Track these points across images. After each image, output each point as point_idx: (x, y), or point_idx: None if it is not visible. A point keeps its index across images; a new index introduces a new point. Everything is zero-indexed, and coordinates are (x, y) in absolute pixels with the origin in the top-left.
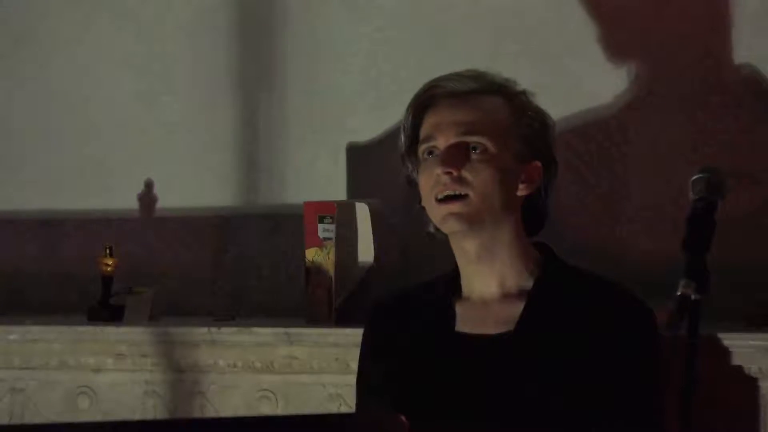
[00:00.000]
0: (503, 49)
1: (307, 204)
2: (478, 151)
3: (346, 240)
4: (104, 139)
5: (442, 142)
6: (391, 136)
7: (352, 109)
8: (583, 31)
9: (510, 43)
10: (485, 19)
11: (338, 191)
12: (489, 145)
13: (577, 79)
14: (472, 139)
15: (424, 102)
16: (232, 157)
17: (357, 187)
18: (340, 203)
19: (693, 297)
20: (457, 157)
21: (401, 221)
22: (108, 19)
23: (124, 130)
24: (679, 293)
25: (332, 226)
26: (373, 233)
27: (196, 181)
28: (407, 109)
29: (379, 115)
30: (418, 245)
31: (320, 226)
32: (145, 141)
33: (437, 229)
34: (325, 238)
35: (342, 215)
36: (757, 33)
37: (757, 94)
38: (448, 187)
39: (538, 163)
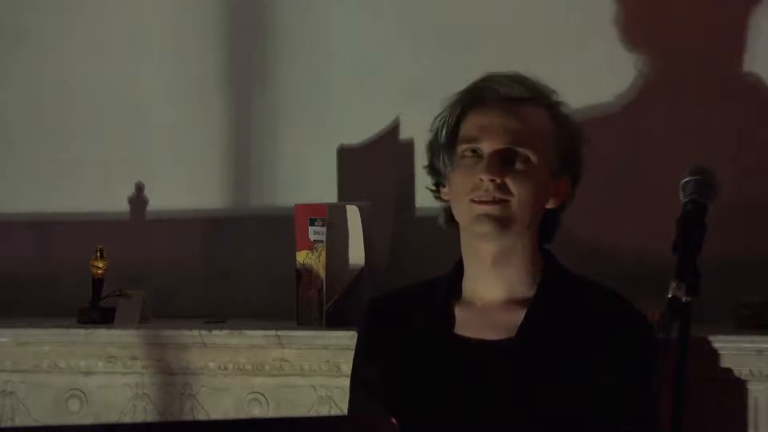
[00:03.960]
0: (503, 47)
1: (298, 206)
2: (522, 162)
3: (337, 242)
4: (95, 141)
5: (487, 146)
6: (382, 138)
7: (343, 110)
8: (587, 30)
9: (510, 42)
10: (483, 17)
11: (329, 193)
12: (533, 157)
13: (579, 78)
14: (520, 149)
15: (473, 100)
16: (222, 158)
17: (348, 190)
18: (330, 206)
19: (683, 299)
20: (502, 165)
21: (392, 223)
22: (99, 19)
23: (115, 132)
24: (669, 295)
25: (323, 229)
26: (364, 235)
27: (187, 183)
28: (454, 103)
29: (371, 117)
30: (409, 248)
31: (311, 229)
32: (135, 143)
33: (449, 223)
34: (315, 241)
35: (333, 218)
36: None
37: (760, 100)
38: (490, 194)
39: (567, 179)
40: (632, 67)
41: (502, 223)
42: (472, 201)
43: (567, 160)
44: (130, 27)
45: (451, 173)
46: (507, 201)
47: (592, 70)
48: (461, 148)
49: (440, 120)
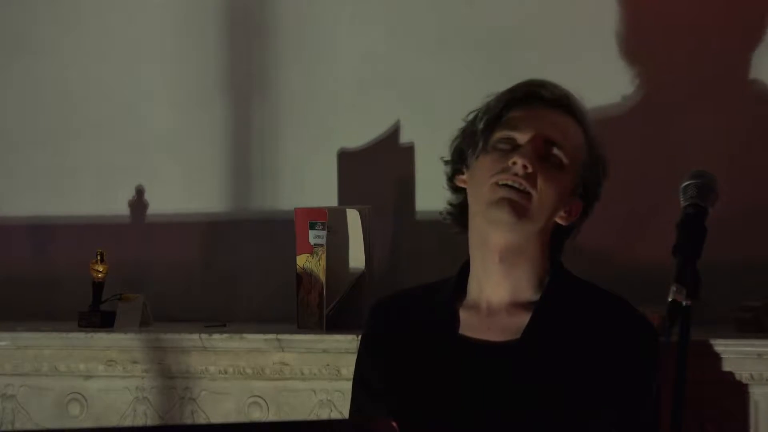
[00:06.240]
0: (504, 52)
1: (298, 210)
2: (554, 163)
3: (337, 246)
4: (95, 144)
5: (526, 136)
6: (382, 142)
7: (344, 114)
8: (588, 34)
9: (510, 46)
10: (484, 21)
11: (329, 197)
12: (566, 160)
13: (580, 81)
14: (556, 149)
15: (521, 97)
16: (223, 162)
17: (348, 193)
18: (331, 209)
19: (684, 303)
20: (538, 156)
21: (392, 227)
22: (99, 23)
23: (115, 136)
24: (670, 299)
25: (323, 233)
26: (364, 239)
27: (188, 187)
28: (501, 95)
29: (371, 121)
30: (409, 251)
31: (311, 233)
32: (136, 146)
33: (454, 218)
34: (316, 245)
35: (333, 221)
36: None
37: (761, 104)
38: (517, 179)
39: (580, 203)
40: (636, 72)
41: (520, 211)
42: (496, 184)
43: (586, 186)
44: (130, 32)
45: (479, 157)
46: (529, 194)
47: (595, 73)
48: (499, 134)
49: (483, 107)
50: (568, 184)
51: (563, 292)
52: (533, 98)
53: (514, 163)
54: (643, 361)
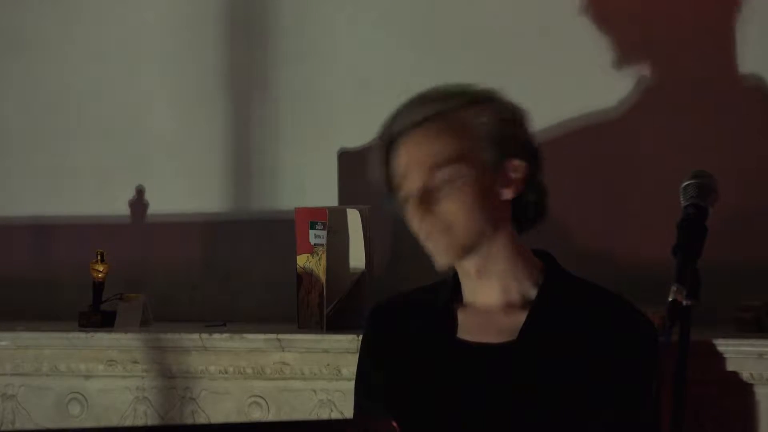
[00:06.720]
0: (502, 51)
1: (299, 210)
2: (445, 184)
3: (338, 246)
4: (95, 144)
5: (413, 183)
6: None
7: (344, 114)
8: (588, 34)
9: (510, 46)
10: (483, 21)
11: (330, 197)
12: (461, 168)
13: (580, 82)
14: (442, 173)
15: (389, 141)
16: (223, 163)
17: (348, 193)
18: (331, 209)
19: (684, 302)
20: (429, 197)
21: (392, 227)
22: (99, 23)
23: (115, 136)
24: (670, 299)
25: (323, 232)
26: (364, 239)
27: (188, 187)
28: (376, 152)
29: (372, 121)
30: (409, 251)
31: (311, 232)
32: (136, 146)
33: None
34: (316, 244)
35: (333, 221)
36: (765, 43)
37: (760, 103)
38: (424, 228)
39: (517, 161)
40: (636, 72)
41: (449, 251)
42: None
43: (505, 145)
44: (131, 32)
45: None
46: (449, 229)
47: (595, 74)
48: (401, 193)
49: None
50: (479, 177)
51: (558, 290)
52: (396, 131)
53: (413, 218)
54: (641, 360)
